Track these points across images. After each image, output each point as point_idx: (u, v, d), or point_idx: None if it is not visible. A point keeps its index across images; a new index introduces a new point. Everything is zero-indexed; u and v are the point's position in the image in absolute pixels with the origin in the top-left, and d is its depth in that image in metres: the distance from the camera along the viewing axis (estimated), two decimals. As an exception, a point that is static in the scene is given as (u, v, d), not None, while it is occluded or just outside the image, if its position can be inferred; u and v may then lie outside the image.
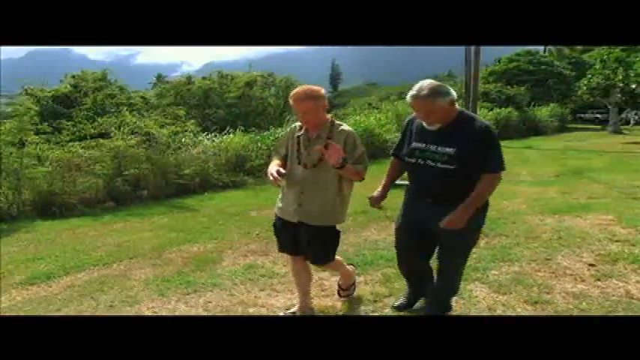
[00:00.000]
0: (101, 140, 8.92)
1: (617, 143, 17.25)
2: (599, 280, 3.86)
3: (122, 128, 9.26)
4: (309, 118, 2.87)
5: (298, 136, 2.98)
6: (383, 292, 3.67)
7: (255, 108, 15.55)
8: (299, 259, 3.19)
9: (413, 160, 2.85)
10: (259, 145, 11.53)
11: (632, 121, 29.85)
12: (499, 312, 3.32)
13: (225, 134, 11.88)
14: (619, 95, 20.52)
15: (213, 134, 11.81)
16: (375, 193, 3.11)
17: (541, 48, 47.66)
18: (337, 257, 3.22)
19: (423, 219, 2.85)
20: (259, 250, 4.99)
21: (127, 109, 11.37)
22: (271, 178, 2.80)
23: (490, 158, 2.66)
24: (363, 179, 2.95)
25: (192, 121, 10.44)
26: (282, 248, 3.23)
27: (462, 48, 17.35)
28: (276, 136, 12.64)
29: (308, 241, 3.03)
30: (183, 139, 9.75)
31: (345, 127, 2.93)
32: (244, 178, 10.39)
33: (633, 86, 13.06)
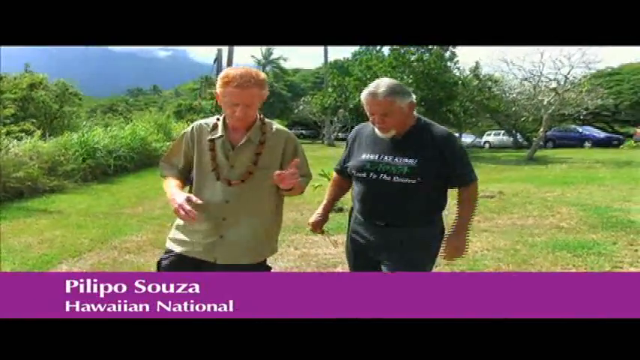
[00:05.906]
0: None
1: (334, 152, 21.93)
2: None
3: None
4: (252, 113, 2.12)
5: (212, 140, 2.18)
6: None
7: (36, 113, 14.30)
8: None
9: (363, 175, 2.37)
10: (64, 150, 11.38)
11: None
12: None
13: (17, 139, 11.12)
14: (346, 114, 25.83)
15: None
16: (315, 217, 2.61)
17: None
18: None
19: (371, 246, 2.39)
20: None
21: None
22: (183, 213, 1.97)
23: (462, 168, 2.38)
24: (302, 193, 2.31)
25: (30, 121, 9.59)
26: None
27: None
28: (78, 140, 12.24)
29: None
30: (4, 141, 8.96)
31: (279, 126, 2.28)
32: (63, 182, 10.19)
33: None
